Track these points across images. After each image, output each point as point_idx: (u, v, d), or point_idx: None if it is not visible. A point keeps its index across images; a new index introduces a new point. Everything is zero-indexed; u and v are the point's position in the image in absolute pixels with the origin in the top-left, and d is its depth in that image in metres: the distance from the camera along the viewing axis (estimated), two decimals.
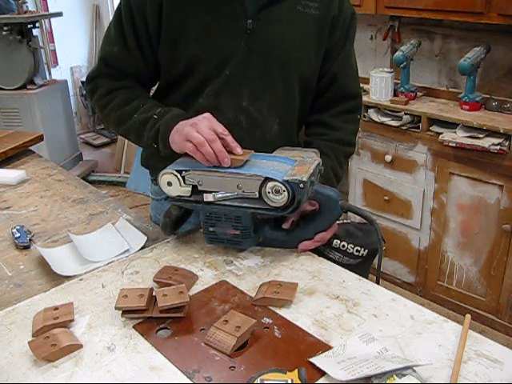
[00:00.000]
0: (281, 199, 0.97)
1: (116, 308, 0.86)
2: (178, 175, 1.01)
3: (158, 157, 1.18)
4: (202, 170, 1.00)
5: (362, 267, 1.10)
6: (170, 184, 1.02)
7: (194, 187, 1.01)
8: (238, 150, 1.01)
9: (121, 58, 1.18)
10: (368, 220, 1.07)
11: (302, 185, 0.95)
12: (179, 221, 1.10)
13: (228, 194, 1.00)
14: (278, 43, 1.15)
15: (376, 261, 1.10)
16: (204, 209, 1.03)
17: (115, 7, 1.21)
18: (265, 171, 0.98)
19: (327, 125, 1.27)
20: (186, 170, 1.01)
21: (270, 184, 0.96)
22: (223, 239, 1.05)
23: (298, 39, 1.16)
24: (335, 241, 1.13)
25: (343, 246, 1.13)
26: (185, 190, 1.02)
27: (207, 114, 1.04)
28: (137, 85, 1.22)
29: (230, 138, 1.01)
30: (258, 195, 0.98)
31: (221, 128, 1.01)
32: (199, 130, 0.99)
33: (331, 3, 1.18)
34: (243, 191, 0.98)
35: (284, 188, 0.95)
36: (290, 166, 1.01)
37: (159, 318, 0.86)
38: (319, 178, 1.06)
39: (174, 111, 1.11)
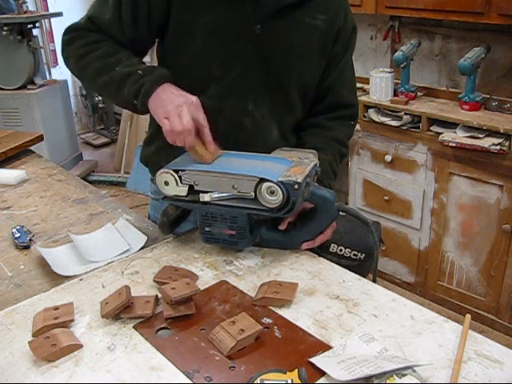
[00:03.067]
0: (276, 200, 0.97)
1: (103, 316, 0.87)
2: (175, 175, 1.01)
3: (159, 155, 1.17)
4: (199, 170, 1.00)
5: (360, 269, 1.10)
6: (166, 183, 1.02)
7: (191, 187, 1.02)
8: (212, 146, 1.02)
9: (112, 26, 1.13)
10: (364, 223, 1.06)
11: (296, 186, 0.95)
12: (177, 220, 1.10)
13: (224, 194, 1.00)
14: (283, 51, 1.15)
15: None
16: (200, 209, 1.03)
17: None
18: (260, 172, 0.98)
19: (322, 126, 1.28)
20: (182, 170, 1.01)
21: (265, 185, 0.96)
22: (219, 239, 1.06)
23: (303, 50, 1.17)
24: (332, 245, 1.13)
25: (340, 250, 1.13)
26: (181, 190, 1.02)
27: (195, 100, 1.02)
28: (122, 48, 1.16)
29: (206, 131, 1.02)
30: (253, 196, 0.98)
31: (202, 119, 1.01)
32: (181, 116, 0.98)
33: (337, 16, 1.19)
34: (239, 191, 0.99)
35: (279, 189, 0.95)
36: (286, 167, 1.01)
37: (159, 318, 0.86)
38: (315, 179, 1.06)
39: (161, 71, 1.08)
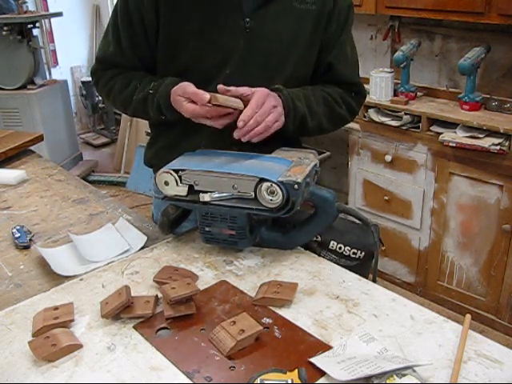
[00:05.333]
0: (275, 200, 0.97)
1: (103, 316, 0.87)
2: (175, 175, 1.01)
3: (161, 156, 1.17)
4: (199, 169, 1.00)
5: (359, 269, 1.10)
6: (166, 183, 1.02)
7: (191, 187, 1.02)
8: (203, 97, 1.03)
9: (115, 57, 1.22)
10: (364, 223, 1.06)
11: (296, 186, 0.95)
12: (177, 220, 1.10)
13: (224, 194, 1.00)
14: (276, 41, 1.15)
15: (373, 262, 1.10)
16: (200, 209, 1.03)
17: None
18: (260, 172, 0.98)
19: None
20: (182, 170, 1.01)
21: (265, 184, 0.96)
22: (219, 239, 1.06)
23: (295, 36, 1.17)
24: (332, 242, 1.13)
25: (340, 248, 1.13)
26: (181, 190, 1.02)
27: (182, 88, 1.07)
28: (133, 71, 1.24)
29: (193, 96, 1.05)
30: (253, 196, 0.98)
31: (190, 94, 1.05)
32: (186, 114, 1.08)
33: None
34: (239, 191, 0.99)
35: (278, 189, 0.95)
36: (286, 167, 1.01)
37: (159, 318, 0.86)
38: (315, 179, 1.06)
39: (166, 82, 1.14)
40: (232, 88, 1.03)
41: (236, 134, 1.04)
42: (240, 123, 1.02)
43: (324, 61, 1.23)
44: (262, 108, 1.04)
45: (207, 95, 1.01)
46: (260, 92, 1.05)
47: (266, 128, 1.05)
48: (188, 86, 1.06)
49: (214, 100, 1.01)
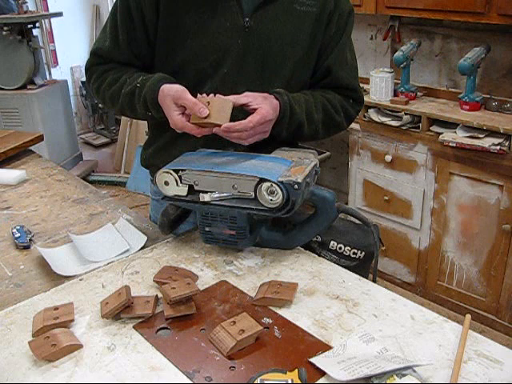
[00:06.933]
0: (275, 200, 0.97)
1: (103, 316, 0.87)
2: (175, 175, 1.01)
3: (158, 157, 1.17)
4: (199, 169, 1.00)
5: (359, 270, 1.10)
6: (166, 183, 1.02)
7: (191, 187, 1.02)
8: (202, 110, 1.01)
9: (111, 51, 1.20)
10: (364, 223, 1.06)
11: (296, 186, 0.95)
12: (177, 220, 1.10)
13: (224, 194, 1.00)
14: (275, 41, 1.15)
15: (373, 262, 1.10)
16: (200, 209, 1.03)
17: None
18: (260, 172, 0.98)
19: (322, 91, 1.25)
20: (182, 170, 1.01)
21: (265, 184, 0.96)
22: (219, 239, 1.06)
23: (294, 37, 1.16)
24: (332, 242, 1.13)
25: (340, 248, 1.13)
26: (181, 190, 1.02)
27: (174, 91, 1.05)
28: (126, 67, 1.23)
29: (190, 106, 1.02)
30: (253, 196, 0.98)
31: (185, 100, 1.03)
32: (173, 125, 1.06)
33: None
34: (239, 191, 0.99)
35: (278, 189, 0.95)
36: (286, 167, 1.01)
37: (159, 318, 0.86)
38: (316, 179, 1.06)
39: (155, 76, 1.12)
40: (237, 124, 1.01)
41: (217, 130, 1.02)
42: (234, 134, 1.02)
43: (323, 64, 1.23)
44: (257, 128, 1.04)
45: (206, 111, 1.00)
46: (265, 113, 1.04)
47: (240, 141, 1.06)
48: (185, 93, 1.03)
49: (195, 119, 1.02)
